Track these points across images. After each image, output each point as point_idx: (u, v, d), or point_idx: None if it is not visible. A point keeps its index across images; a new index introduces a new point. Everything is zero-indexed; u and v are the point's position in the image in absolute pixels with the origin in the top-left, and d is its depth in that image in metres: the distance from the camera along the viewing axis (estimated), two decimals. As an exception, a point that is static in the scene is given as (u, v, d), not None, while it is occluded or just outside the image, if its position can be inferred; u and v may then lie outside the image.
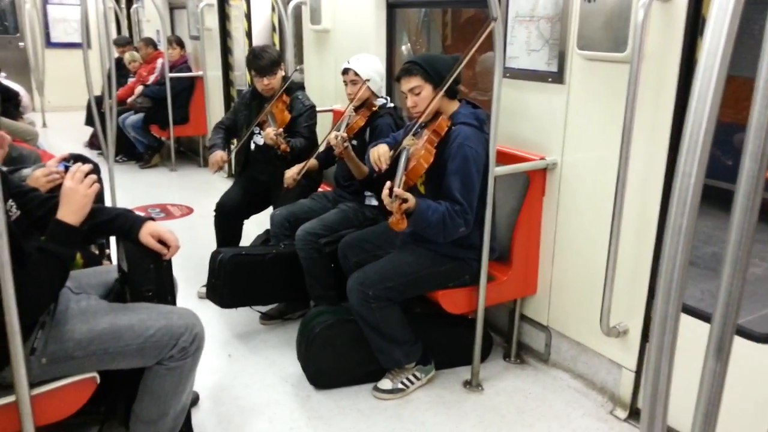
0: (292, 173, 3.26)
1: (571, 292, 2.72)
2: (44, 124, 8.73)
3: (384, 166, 2.48)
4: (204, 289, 3.25)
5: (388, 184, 2.25)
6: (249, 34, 5.70)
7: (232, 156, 3.66)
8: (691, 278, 2.82)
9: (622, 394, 2.57)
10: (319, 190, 3.58)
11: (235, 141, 3.77)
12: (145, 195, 5.64)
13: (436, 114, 2.55)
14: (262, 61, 3.37)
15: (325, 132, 3.38)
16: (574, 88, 2.55)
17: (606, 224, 2.36)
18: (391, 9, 3.80)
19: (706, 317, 2.14)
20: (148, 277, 2.02)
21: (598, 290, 2.43)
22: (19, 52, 9.75)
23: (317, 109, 3.61)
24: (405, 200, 2.26)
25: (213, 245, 3.57)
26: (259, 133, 3.51)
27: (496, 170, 2.48)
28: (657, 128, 2.23)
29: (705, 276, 4.05)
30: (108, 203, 4.03)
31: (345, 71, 3.13)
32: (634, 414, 2.54)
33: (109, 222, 2.01)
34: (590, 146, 2.53)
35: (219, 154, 3.50)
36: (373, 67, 3.13)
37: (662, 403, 1.00)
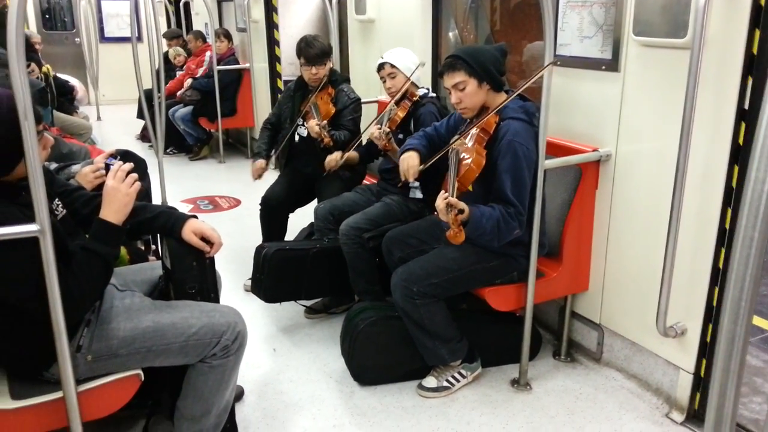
0: (334, 156, 3.24)
1: (626, 290, 2.60)
2: (98, 118, 8.96)
3: (411, 179, 2.51)
4: (250, 282, 3.26)
5: (443, 194, 2.13)
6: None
7: (273, 158, 3.69)
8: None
9: (679, 396, 2.46)
10: (363, 182, 3.54)
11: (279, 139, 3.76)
12: (194, 187, 5.71)
13: (483, 109, 2.46)
14: (313, 50, 3.34)
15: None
16: (629, 77, 2.42)
17: (663, 219, 2.24)
18: (437, -4, 3.71)
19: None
20: (191, 274, 2.02)
21: (655, 288, 2.31)
22: (75, 47, 10.06)
23: (361, 100, 3.57)
24: (461, 211, 2.16)
25: (260, 237, 3.58)
26: (303, 125, 3.49)
27: (546, 163, 2.38)
28: (719, 119, 2.10)
29: (769, 271, 3.85)
30: (158, 195, 4.10)
31: (381, 67, 3.08)
32: (691, 417, 2.43)
33: (152, 220, 2.01)
34: (647, 137, 2.40)
35: (259, 163, 3.57)
36: (408, 58, 3.08)
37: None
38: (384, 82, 3.11)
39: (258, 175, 3.57)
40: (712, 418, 0.90)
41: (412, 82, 3.08)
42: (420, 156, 2.55)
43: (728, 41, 2.02)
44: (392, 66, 3.04)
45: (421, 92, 3.11)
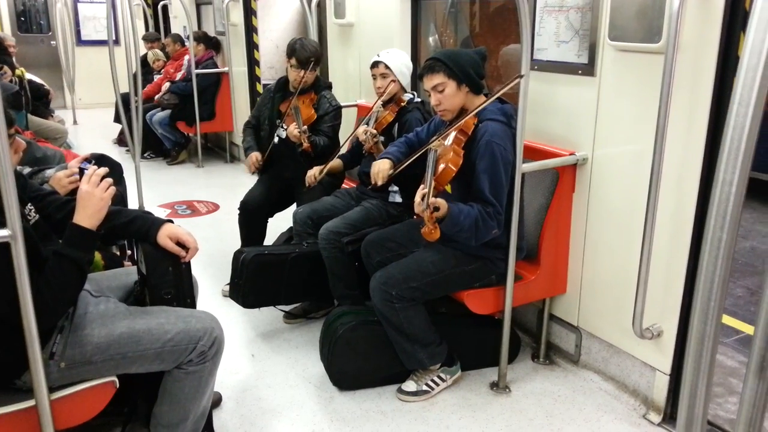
0: (313, 172, 3.21)
1: (603, 292, 2.63)
2: (75, 122, 8.85)
3: (380, 182, 2.55)
4: (228, 288, 3.24)
5: (420, 191, 2.14)
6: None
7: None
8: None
9: (655, 397, 2.48)
10: (343, 186, 3.53)
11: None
12: (171, 192, 5.66)
13: (462, 111, 2.47)
14: (306, 53, 3.32)
15: (350, 130, 3.32)
16: (605, 81, 2.45)
17: (639, 222, 2.27)
18: (416, 1, 3.73)
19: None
20: (167, 279, 2.00)
21: (631, 290, 2.34)
22: (51, 50, 9.92)
23: (342, 104, 3.56)
24: (437, 208, 2.17)
25: (238, 242, 3.55)
26: (283, 127, 3.48)
27: (523, 166, 2.40)
28: (693, 122, 2.13)
29: (744, 272, 3.91)
30: (134, 200, 4.05)
31: (375, 65, 3.07)
32: (668, 418, 2.45)
33: (127, 224, 1.99)
34: (623, 141, 2.43)
35: (254, 155, 3.53)
36: (402, 62, 3.08)
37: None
38: (375, 79, 3.10)
39: (255, 168, 3.53)
40: (683, 418, 0.91)
41: (402, 87, 3.08)
42: (392, 162, 2.60)
43: (701, 45, 2.05)
44: (386, 67, 3.04)
45: (407, 97, 3.11)
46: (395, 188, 3.11)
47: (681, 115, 2.13)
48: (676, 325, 2.33)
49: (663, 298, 2.34)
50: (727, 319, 3.22)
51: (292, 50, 3.36)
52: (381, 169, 2.56)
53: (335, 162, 3.24)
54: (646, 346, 2.45)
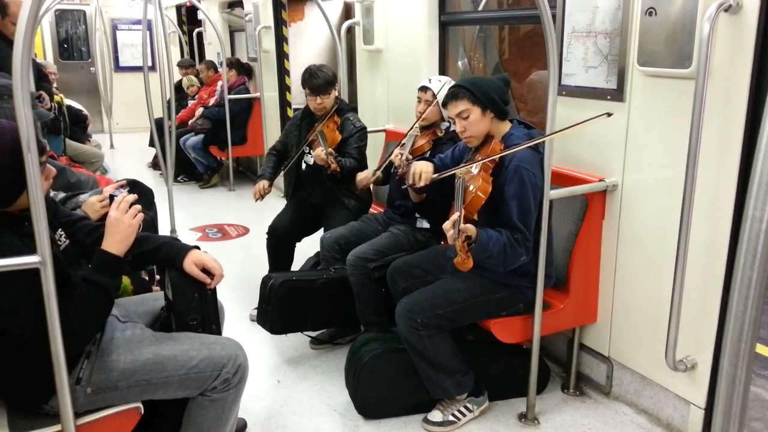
0: (366, 174, 3.14)
1: (635, 322, 2.56)
2: (111, 146, 9.07)
3: (420, 184, 2.47)
4: (256, 312, 3.24)
5: (451, 219, 2.09)
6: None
7: (278, 179, 3.64)
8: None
9: (690, 432, 2.40)
10: (370, 211, 3.52)
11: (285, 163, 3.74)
12: (203, 215, 5.73)
13: (488, 137, 2.45)
14: (317, 81, 3.36)
15: (376, 153, 3.32)
16: (635, 107, 2.41)
17: (671, 250, 2.21)
18: (444, 27, 3.74)
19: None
20: (193, 305, 2.01)
21: (664, 321, 2.27)
22: (90, 76, 10.24)
23: (369, 129, 3.57)
24: (469, 237, 2.12)
25: (267, 266, 3.56)
26: (309, 153, 3.50)
27: (552, 193, 2.37)
28: (726, 148, 2.08)
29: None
30: (167, 222, 4.12)
31: (424, 89, 3.07)
32: (704, 454, 2.36)
33: (154, 251, 2.01)
34: (653, 167, 2.38)
35: (262, 183, 3.51)
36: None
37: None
38: (419, 101, 3.10)
39: (260, 195, 3.50)
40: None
41: (442, 116, 3.07)
42: (435, 166, 2.56)
43: (733, 70, 2.01)
44: (434, 95, 3.02)
45: (444, 126, 3.10)
46: (420, 215, 3.09)
47: (713, 142, 2.09)
48: (711, 358, 2.25)
49: (697, 329, 2.27)
50: (763, 350, 3.10)
51: (304, 80, 3.41)
52: (425, 170, 2.49)
53: (378, 174, 3.22)
54: (680, 378, 2.37)
